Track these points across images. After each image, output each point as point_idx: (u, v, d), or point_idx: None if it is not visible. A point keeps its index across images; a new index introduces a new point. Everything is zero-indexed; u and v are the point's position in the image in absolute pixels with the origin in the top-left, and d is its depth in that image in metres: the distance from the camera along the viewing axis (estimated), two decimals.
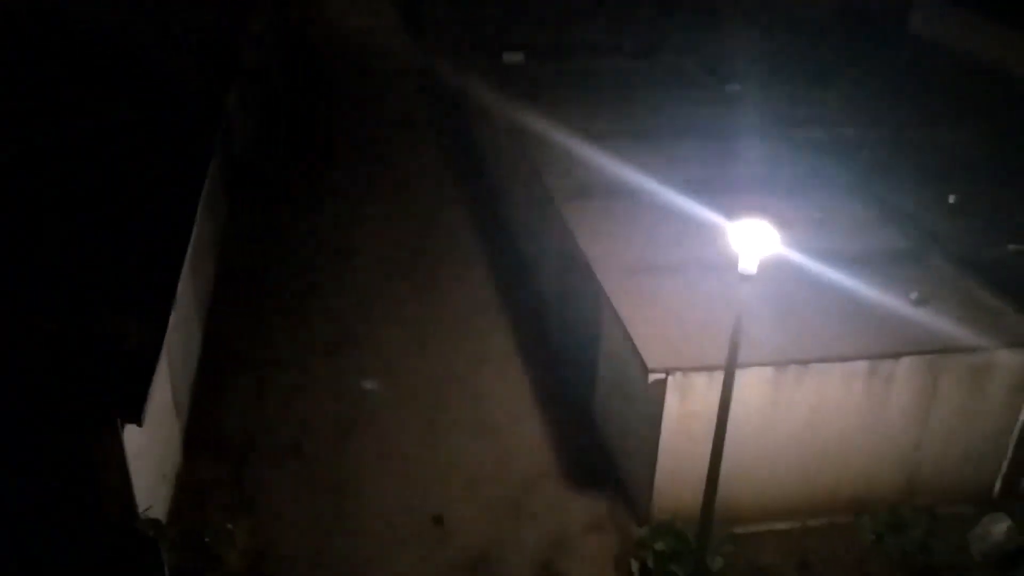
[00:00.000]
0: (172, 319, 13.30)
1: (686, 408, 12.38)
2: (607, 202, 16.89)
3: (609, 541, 13.19)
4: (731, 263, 10.11)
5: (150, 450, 12.55)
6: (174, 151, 18.19)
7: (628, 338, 12.90)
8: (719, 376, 10.66)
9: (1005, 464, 13.68)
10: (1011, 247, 15.57)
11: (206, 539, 12.52)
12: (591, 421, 15.50)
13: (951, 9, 30.73)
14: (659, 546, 12.45)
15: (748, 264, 9.91)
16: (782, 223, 10.53)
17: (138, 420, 11.20)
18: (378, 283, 19.98)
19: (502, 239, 22.12)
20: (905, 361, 12.70)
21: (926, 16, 31.60)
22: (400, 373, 16.87)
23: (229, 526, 12.93)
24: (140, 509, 11.84)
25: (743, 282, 9.95)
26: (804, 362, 12.52)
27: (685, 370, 12.18)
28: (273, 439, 15.06)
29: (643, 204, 16.80)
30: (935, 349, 12.79)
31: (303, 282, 19.93)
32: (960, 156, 19.94)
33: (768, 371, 12.42)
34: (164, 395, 13.45)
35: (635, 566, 12.58)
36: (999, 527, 12.85)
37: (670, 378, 12.15)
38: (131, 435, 11.47)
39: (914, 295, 13.82)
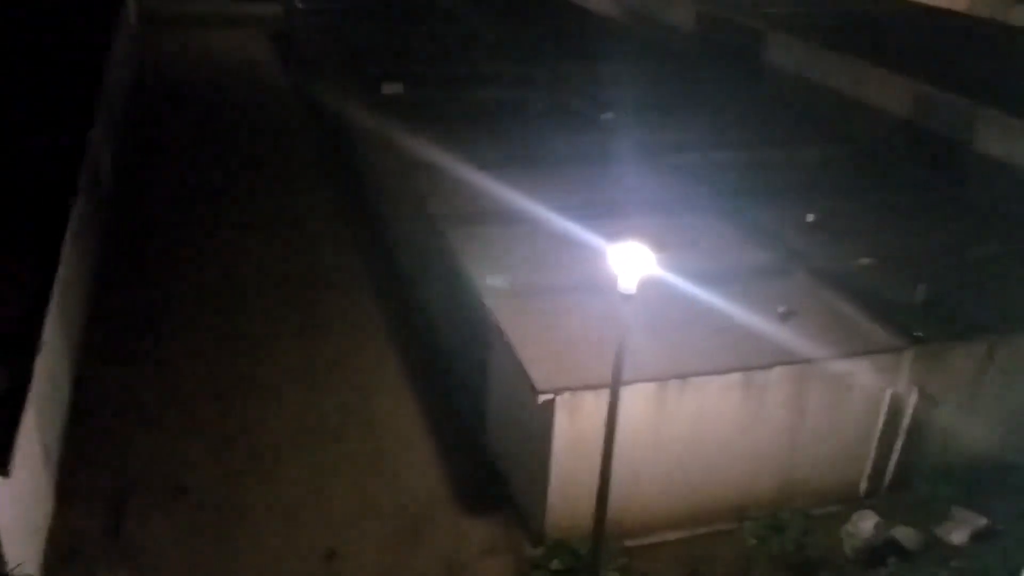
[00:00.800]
0: (38, 365, 12.63)
1: (575, 427, 12.68)
2: (492, 227, 17.18)
3: (505, 563, 13.29)
4: (612, 284, 10.49)
5: (19, 502, 11.82)
6: (35, 188, 17.31)
7: (516, 360, 13.13)
8: (606, 394, 11.00)
9: (869, 464, 14.65)
10: (862, 260, 16.74)
11: None
12: (483, 444, 15.62)
13: (798, 41, 32.93)
14: (554, 565, 12.65)
15: (628, 285, 10.31)
16: (659, 244, 11.02)
17: (4, 471, 10.58)
18: (264, 317, 19.54)
19: (390, 267, 22.07)
20: (776, 371, 13.45)
21: (778, 47, 33.72)
22: (289, 407, 16.52)
23: None
24: (10, 566, 11.11)
25: (624, 302, 10.35)
26: (684, 376, 13.07)
27: (573, 389, 12.49)
28: (154, 484, 14.43)
29: (527, 229, 17.18)
30: (803, 359, 13.60)
31: (182, 319, 19.27)
32: (814, 176, 21.32)
33: (651, 387, 12.89)
34: (32, 443, 12.69)
35: None
36: (867, 524, 13.73)
37: (558, 398, 12.43)
38: None
39: (781, 309, 14.68)
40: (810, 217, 18.27)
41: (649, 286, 11.38)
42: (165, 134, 30.79)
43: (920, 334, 14.18)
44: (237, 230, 23.66)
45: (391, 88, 25.54)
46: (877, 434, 14.41)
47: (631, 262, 10.24)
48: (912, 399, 14.21)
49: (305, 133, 32.01)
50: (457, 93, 26.26)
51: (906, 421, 14.37)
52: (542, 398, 12.38)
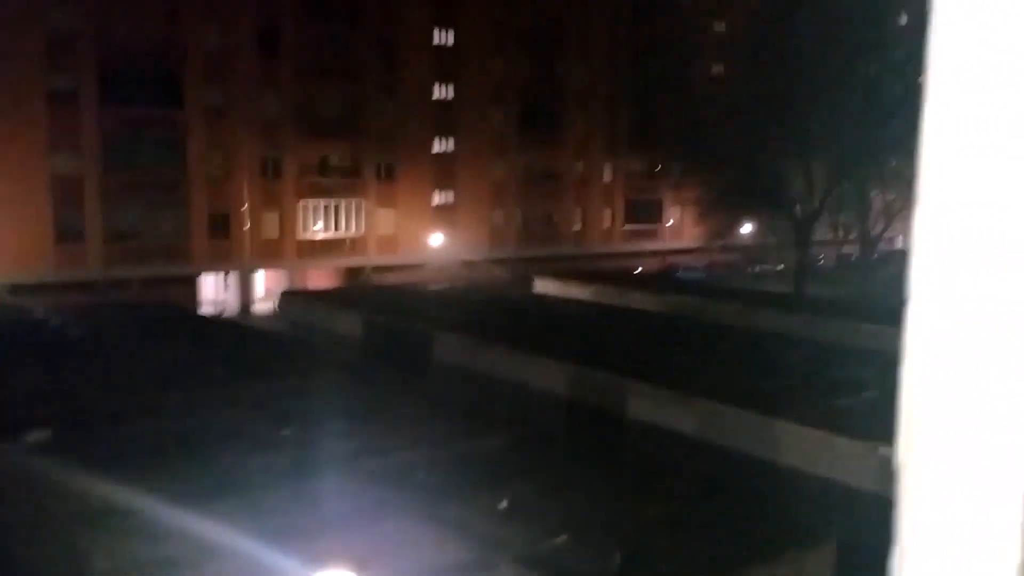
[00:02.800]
0: None
1: None
2: (171, 571, 15.26)
3: None
4: None
5: None
6: None
7: None
8: None
9: None
10: (559, 539, 17.28)
11: None
12: None
13: (462, 338, 35.86)
14: None
15: None
16: (361, 560, 10.48)
17: None
18: None
19: None
20: None
21: (444, 346, 36.32)
22: None
23: None
24: None
25: None
26: None
27: None
28: None
29: (215, 566, 15.48)
30: None
31: None
32: (497, 465, 22.19)
33: None
34: None
35: None
36: None
37: None
38: None
39: None
40: (503, 504, 18.72)
41: None
42: None
43: None
44: None
45: (37, 436, 22.84)
46: None
47: None
48: None
49: None
50: (117, 429, 24.20)
51: None
52: None
